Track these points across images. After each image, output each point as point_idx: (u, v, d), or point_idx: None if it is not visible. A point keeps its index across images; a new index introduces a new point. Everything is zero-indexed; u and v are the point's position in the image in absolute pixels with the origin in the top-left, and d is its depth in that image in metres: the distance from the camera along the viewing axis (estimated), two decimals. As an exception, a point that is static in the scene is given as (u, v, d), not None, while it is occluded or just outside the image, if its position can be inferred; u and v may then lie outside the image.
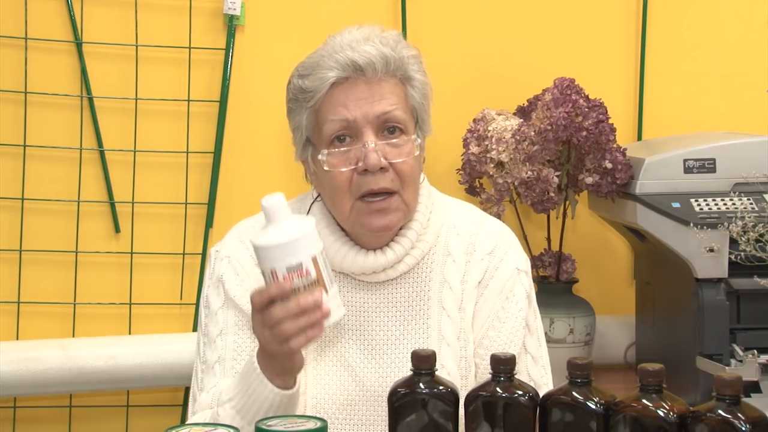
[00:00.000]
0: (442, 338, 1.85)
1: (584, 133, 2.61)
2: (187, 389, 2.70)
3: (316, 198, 1.90)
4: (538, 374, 1.89)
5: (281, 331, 1.61)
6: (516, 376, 1.50)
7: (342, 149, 1.79)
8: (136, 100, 2.79)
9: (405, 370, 1.59)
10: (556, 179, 2.62)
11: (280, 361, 1.66)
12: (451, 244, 1.90)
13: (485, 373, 1.77)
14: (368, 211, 1.80)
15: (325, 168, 1.80)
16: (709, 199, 2.52)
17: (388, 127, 1.80)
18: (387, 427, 1.55)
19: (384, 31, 1.84)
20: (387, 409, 1.54)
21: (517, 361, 1.51)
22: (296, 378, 1.70)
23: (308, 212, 1.89)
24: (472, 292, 1.87)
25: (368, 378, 1.84)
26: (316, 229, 1.63)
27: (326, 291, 1.61)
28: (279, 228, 1.61)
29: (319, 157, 1.81)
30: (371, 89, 1.79)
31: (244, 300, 1.85)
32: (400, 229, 1.86)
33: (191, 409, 1.86)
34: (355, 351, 1.85)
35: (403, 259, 1.86)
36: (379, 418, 1.83)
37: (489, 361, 1.51)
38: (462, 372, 1.84)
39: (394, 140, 1.80)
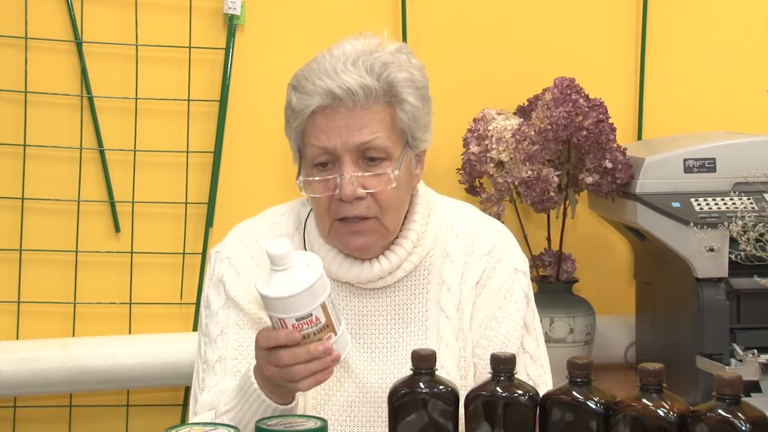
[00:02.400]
0: (440, 339, 1.85)
1: (584, 133, 2.61)
2: (187, 389, 2.70)
3: None
4: (537, 373, 1.88)
5: (291, 374, 1.60)
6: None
7: (317, 178, 1.78)
8: (136, 99, 2.78)
9: (405, 370, 1.59)
10: (556, 179, 2.62)
11: (282, 389, 1.65)
12: (449, 245, 1.89)
13: (483, 373, 1.78)
14: (344, 232, 1.80)
15: (303, 193, 1.81)
16: (709, 199, 2.52)
17: (368, 156, 1.77)
18: (387, 427, 1.55)
19: (381, 45, 1.79)
20: (387, 409, 1.54)
21: (515, 360, 1.51)
22: (295, 395, 1.68)
23: (307, 217, 1.89)
24: (470, 293, 1.87)
25: (368, 378, 1.84)
26: (324, 271, 1.58)
27: (335, 333, 1.59)
28: (287, 277, 1.56)
29: (297, 182, 1.81)
30: (353, 117, 1.75)
31: (245, 300, 1.85)
32: (397, 237, 1.85)
33: (192, 409, 1.86)
34: (354, 352, 1.84)
35: (401, 266, 1.85)
36: (379, 418, 1.82)
37: (487, 361, 1.51)
38: (461, 372, 1.84)
39: (371, 171, 1.77)
